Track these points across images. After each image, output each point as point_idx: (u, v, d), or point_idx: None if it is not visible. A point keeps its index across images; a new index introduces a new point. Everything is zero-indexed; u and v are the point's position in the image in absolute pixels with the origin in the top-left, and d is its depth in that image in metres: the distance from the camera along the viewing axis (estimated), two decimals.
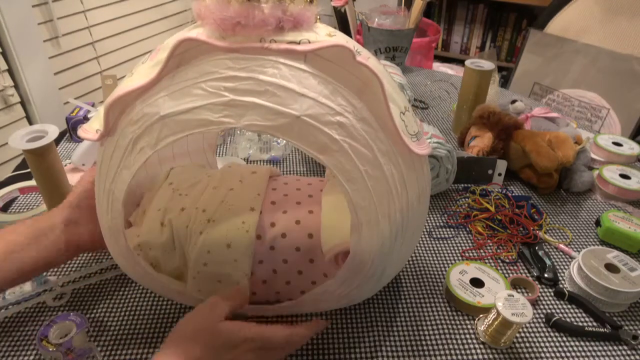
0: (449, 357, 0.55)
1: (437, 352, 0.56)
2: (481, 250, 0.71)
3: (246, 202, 0.56)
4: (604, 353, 0.57)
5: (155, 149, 0.43)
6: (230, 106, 0.41)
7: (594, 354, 0.56)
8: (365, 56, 0.44)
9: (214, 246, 0.52)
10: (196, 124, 0.41)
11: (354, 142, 0.42)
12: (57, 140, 0.95)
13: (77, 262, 0.67)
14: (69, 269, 0.66)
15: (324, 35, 0.44)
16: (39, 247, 0.53)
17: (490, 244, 0.72)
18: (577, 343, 0.58)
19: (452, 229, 0.76)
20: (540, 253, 0.69)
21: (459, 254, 0.71)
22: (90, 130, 0.47)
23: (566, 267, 0.69)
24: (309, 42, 0.42)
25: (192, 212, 0.55)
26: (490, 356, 0.56)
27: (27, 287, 0.62)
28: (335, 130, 0.41)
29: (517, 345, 0.57)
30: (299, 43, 0.42)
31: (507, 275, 0.67)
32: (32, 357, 0.54)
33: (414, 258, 0.70)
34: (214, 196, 0.57)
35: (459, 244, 0.73)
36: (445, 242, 0.73)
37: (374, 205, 0.44)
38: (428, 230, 0.75)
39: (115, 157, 0.45)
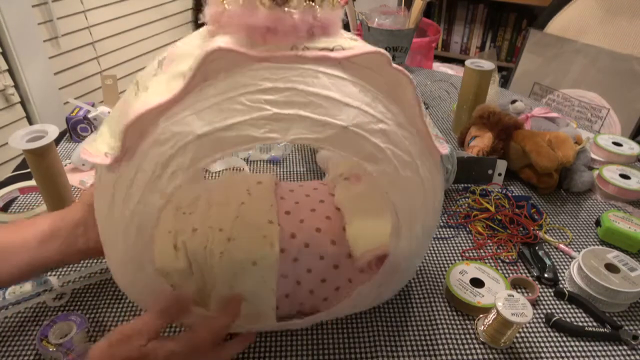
0: (449, 357, 0.55)
1: (437, 352, 0.56)
2: (481, 250, 0.71)
3: (262, 216, 0.53)
4: (604, 353, 0.57)
5: (191, 171, 0.39)
6: (274, 120, 0.38)
7: (594, 354, 0.56)
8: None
9: (239, 266, 0.49)
10: (239, 141, 0.38)
11: (395, 148, 0.43)
12: (57, 140, 0.95)
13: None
14: (69, 269, 0.66)
15: (349, 40, 0.43)
16: (48, 247, 0.52)
17: (490, 244, 0.72)
18: (577, 343, 0.58)
19: (452, 229, 0.76)
20: (540, 253, 0.69)
21: (459, 254, 0.71)
22: (97, 153, 0.42)
23: (566, 267, 0.69)
24: (343, 49, 0.41)
25: (208, 232, 0.52)
26: (490, 356, 0.56)
27: (27, 287, 0.62)
28: (380, 138, 0.41)
29: (517, 345, 0.57)
30: (332, 50, 0.41)
31: (507, 275, 0.67)
32: (32, 357, 0.54)
33: None
34: (226, 212, 0.54)
35: (459, 244, 0.73)
36: (445, 242, 0.73)
37: (413, 209, 0.45)
38: None
39: (139, 181, 0.41)
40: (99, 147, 0.43)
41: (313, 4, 0.39)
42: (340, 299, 0.54)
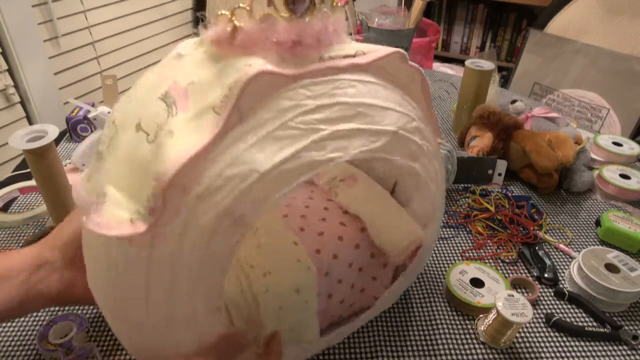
0: (449, 357, 0.55)
1: (437, 352, 0.56)
2: (481, 250, 0.71)
3: (282, 240, 0.51)
4: (604, 353, 0.57)
5: (259, 214, 0.35)
6: (333, 139, 0.37)
7: (594, 354, 0.56)
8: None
9: (284, 298, 0.47)
10: (305, 169, 0.36)
11: (426, 142, 0.44)
12: (57, 140, 0.95)
13: None
14: None
15: (358, 43, 0.43)
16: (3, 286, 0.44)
17: (490, 244, 0.72)
18: (577, 343, 0.58)
19: (452, 229, 0.76)
20: (540, 253, 0.69)
21: (459, 254, 0.71)
22: (119, 223, 0.34)
23: (566, 267, 0.69)
24: (364, 53, 0.40)
25: (238, 273, 0.49)
26: (490, 356, 0.56)
27: None
28: (417, 136, 0.43)
29: (517, 345, 0.57)
30: (354, 55, 0.40)
31: (507, 275, 0.67)
32: (32, 357, 0.54)
33: None
34: (246, 246, 0.51)
35: (459, 244, 0.73)
36: (445, 242, 0.73)
37: (439, 197, 0.48)
38: None
39: (193, 243, 0.35)
40: (114, 214, 0.35)
41: (326, 10, 0.38)
42: (367, 300, 0.55)
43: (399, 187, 0.58)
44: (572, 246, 0.73)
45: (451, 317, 0.60)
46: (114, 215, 0.35)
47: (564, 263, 0.70)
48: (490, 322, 0.56)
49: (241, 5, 0.36)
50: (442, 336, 0.58)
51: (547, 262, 0.68)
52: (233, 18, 0.36)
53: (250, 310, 0.47)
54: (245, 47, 0.36)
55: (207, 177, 0.34)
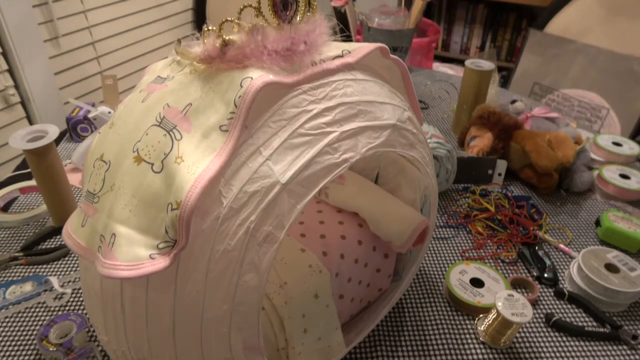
0: (448, 357, 0.55)
1: (437, 352, 0.56)
2: (481, 250, 0.71)
3: (290, 248, 0.51)
4: (603, 353, 0.57)
5: (286, 228, 0.35)
6: (342, 140, 0.37)
7: (593, 354, 0.56)
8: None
9: (305, 306, 0.47)
10: (323, 174, 0.36)
11: (417, 131, 0.46)
12: (57, 140, 0.96)
13: (77, 262, 0.67)
14: (69, 269, 0.66)
15: (340, 42, 0.44)
16: None
17: (490, 244, 0.73)
18: (577, 343, 0.58)
19: (452, 229, 0.76)
20: (540, 253, 0.69)
21: (459, 254, 0.71)
22: (137, 261, 0.33)
23: (566, 267, 0.69)
24: (349, 52, 0.41)
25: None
26: (490, 356, 0.56)
27: (28, 287, 0.62)
28: (411, 125, 0.44)
29: (517, 345, 0.57)
30: (342, 55, 0.40)
31: (507, 275, 0.67)
32: (32, 357, 0.54)
33: None
34: None
35: (459, 244, 0.73)
36: (445, 242, 0.73)
37: (435, 182, 0.51)
38: None
39: (218, 266, 0.34)
40: (130, 253, 0.33)
41: (309, 14, 0.39)
42: (373, 293, 0.57)
43: (382, 176, 0.59)
44: (572, 246, 0.73)
45: (451, 317, 0.60)
46: (130, 254, 0.33)
47: (563, 263, 0.70)
48: (490, 322, 0.56)
49: (229, 19, 0.36)
50: (442, 336, 0.58)
51: (547, 262, 0.68)
52: (221, 34, 0.36)
53: (277, 325, 0.46)
54: (238, 61, 0.36)
55: (224, 194, 0.33)
